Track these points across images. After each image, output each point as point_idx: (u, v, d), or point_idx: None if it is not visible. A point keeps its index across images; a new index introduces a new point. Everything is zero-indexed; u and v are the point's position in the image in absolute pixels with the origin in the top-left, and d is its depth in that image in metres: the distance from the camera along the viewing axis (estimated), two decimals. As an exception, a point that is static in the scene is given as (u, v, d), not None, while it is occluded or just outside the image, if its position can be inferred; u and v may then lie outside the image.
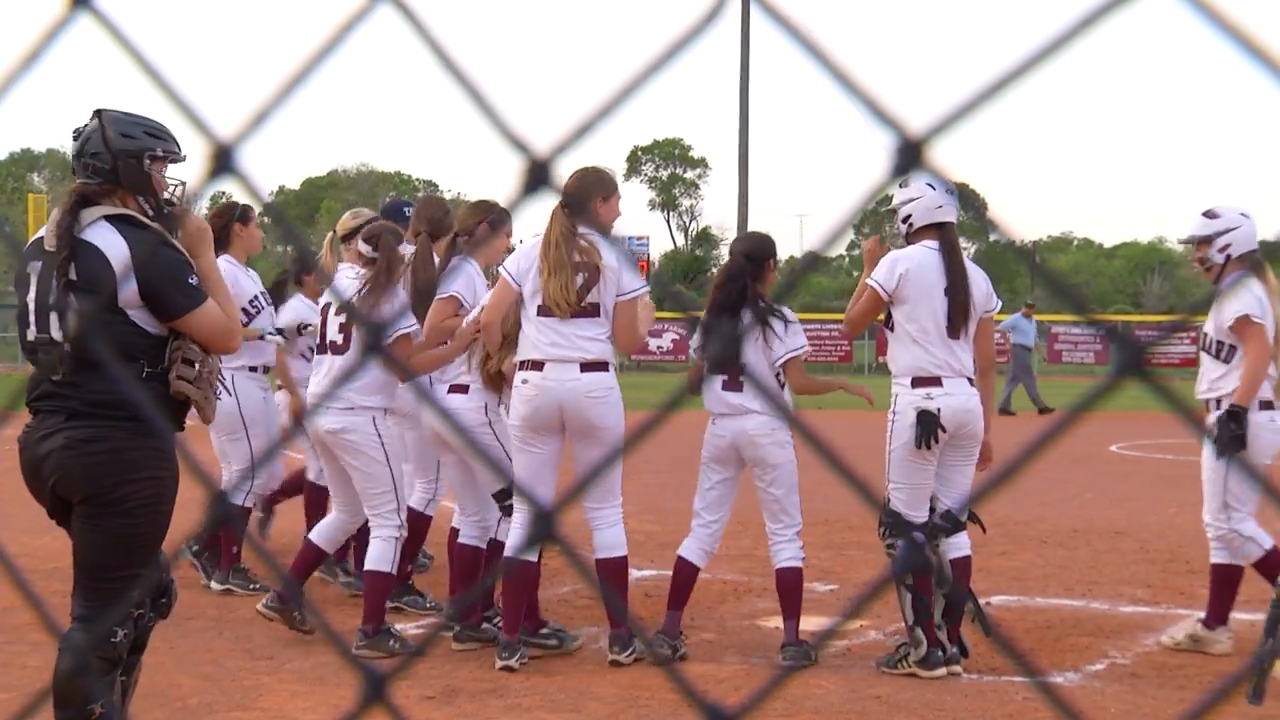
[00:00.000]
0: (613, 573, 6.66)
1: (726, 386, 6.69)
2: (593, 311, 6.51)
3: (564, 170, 0.78)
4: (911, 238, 6.65)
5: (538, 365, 6.47)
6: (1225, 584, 6.84)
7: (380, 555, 6.86)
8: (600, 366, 6.53)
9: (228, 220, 8.15)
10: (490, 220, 7.22)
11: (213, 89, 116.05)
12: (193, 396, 4.50)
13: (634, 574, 8.73)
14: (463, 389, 6.87)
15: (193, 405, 4.56)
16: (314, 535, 7.22)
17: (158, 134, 4.66)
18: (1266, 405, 6.67)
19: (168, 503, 4.51)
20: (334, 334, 6.96)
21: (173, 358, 4.49)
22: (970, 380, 6.54)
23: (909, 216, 6.63)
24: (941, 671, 6.38)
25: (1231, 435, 6.53)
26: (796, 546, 6.77)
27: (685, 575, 6.86)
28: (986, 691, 6.19)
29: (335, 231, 7.81)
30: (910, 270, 6.49)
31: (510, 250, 7.36)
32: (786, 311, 6.90)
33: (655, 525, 10.31)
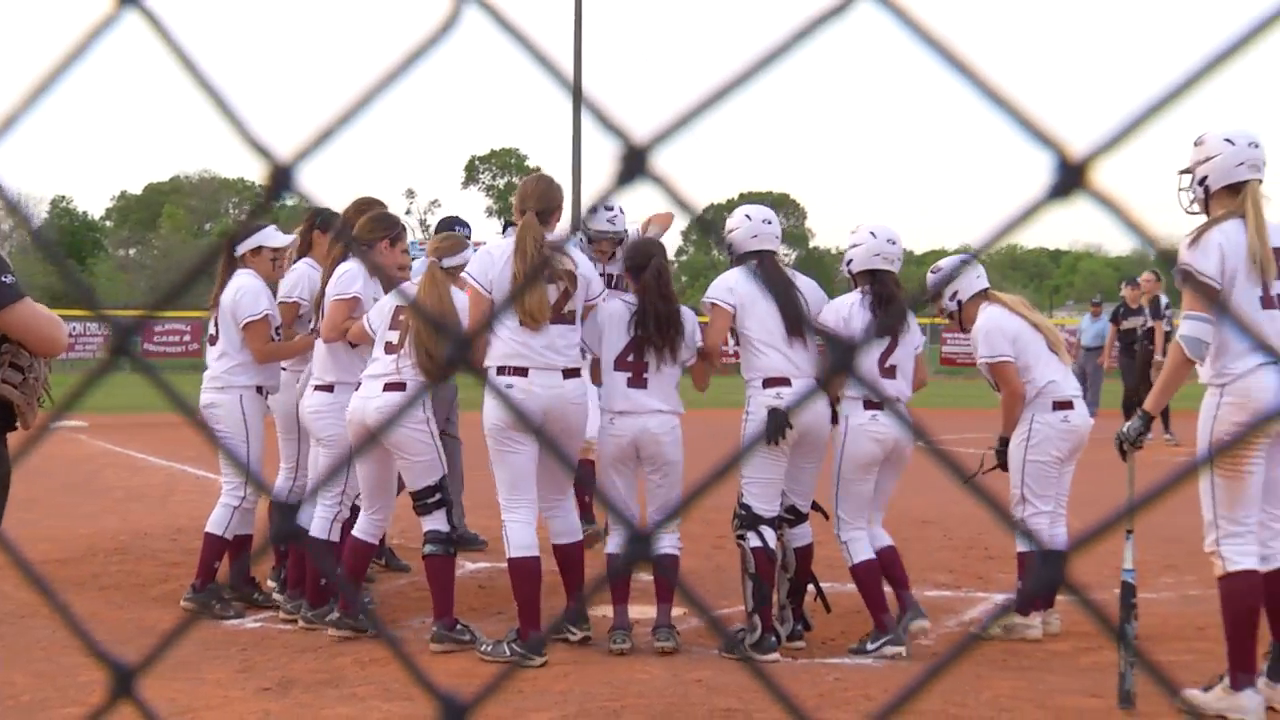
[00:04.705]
0: (573, 557, 6.82)
1: (631, 384, 6.71)
2: (570, 319, 6.62)
3: (306, 174, 0.77)
4: (735, 263, 7.04)
5: (522, 371, 6.51)
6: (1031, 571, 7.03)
7: (217, 519, 7.57)
8: (577, 373, 6.67)
9: (309, 226, 8.00)
10: (392, 237, 7.27)
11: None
12: (15, 401, 4.34)
13: (468, 567, 8.71)
14: (400, 386, 6.72)
15: (15, 411, 4.39)
16: (209, 525, 7.63)
17: None
18: (1061, 405, 6.93)
19: None
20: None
21: (0, 360, 4.32)
22: (818, 381, 6.64)
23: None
24: (774, 656, 6.49)
25: (1002, 457, 7.02)
26: (675, 536, 6.85)
27: (624, 571, 6.83)
28: (800, 673, 6.27)
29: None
30: (738, 284, 6.77)
31: (408, 264, 7.45)
32: (688, 315, 6.88)
33: (491, 520, 10.24)
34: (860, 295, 6.86)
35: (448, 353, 0.76)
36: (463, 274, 6.79)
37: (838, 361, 0.68)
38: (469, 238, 8.90)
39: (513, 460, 6.63)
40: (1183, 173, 5.67)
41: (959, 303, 7.19)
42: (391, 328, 6.81)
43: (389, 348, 6.77)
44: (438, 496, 6.83)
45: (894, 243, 6.90)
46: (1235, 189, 5.44)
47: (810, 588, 7.05)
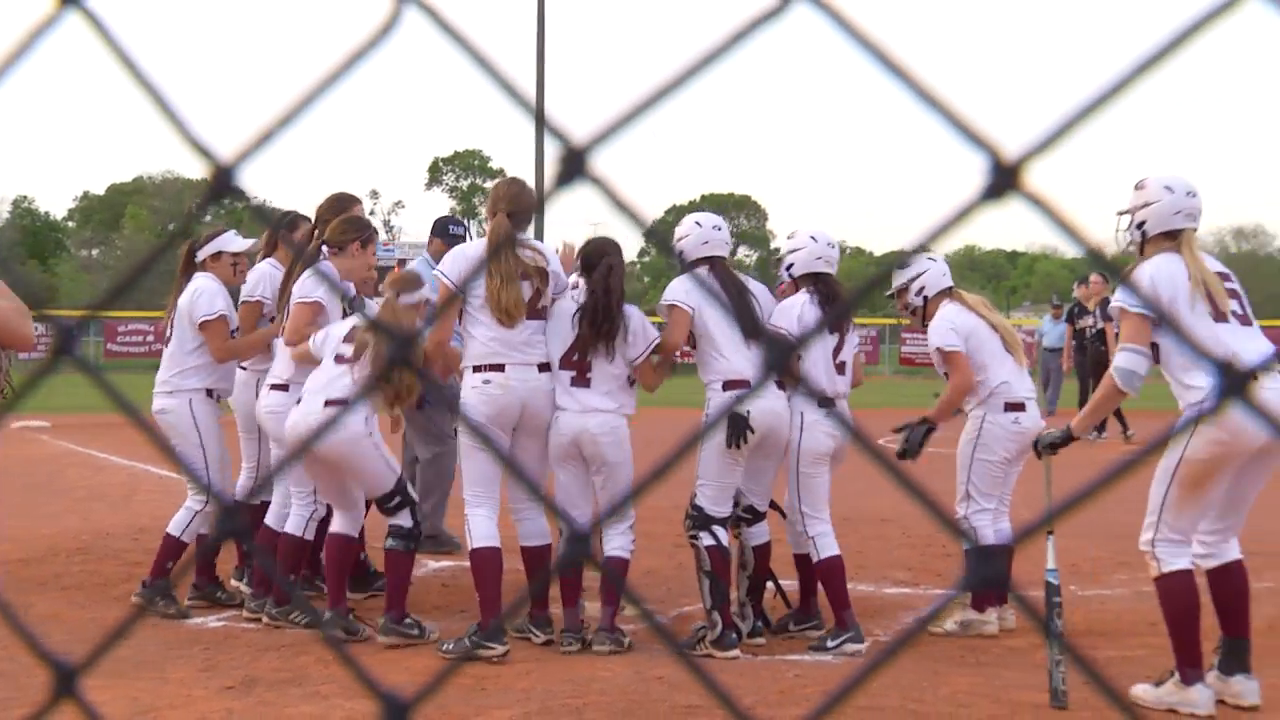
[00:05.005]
0: (540, 559, 6.80)
1: (575, 383, 6.70)
2: (543, 314, 6.70)
3: (247, 176, 0.76)
4: (685, 270, 7.08)
5: (498, 367, 6.58)
6: None
7: (178, 521, 7.45)
8: (549, 367, 6.69)
9: (274, 228, 7.97)
10: (363, 240, 7.24)
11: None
12: None
13: (431, 565, 8.71)
14: (341, 403, 6.59)
15: None
16: (170, 526, 7.50)
17: None
18: (1013, 406, 7.00)
19: None
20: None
21: None
22: (779, 384, 6.69)
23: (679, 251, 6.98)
24: (735, 652, 6.52)
25: (920, 440, 7.03)
26: (628, 539, 6.82)
27: (562, 570, 6.82)
28: (761, 670, 6.29)
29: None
30: (695, 287, 6.77)
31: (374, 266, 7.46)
32: (634, 312, 6.86)
33: (453, 518, 10.22)
34: (808, 296, 6.93)
35: (389, 351, 0.77)
36: (435, 271, 6.83)
37: (773, 360, 0.69)
38: (464, 237, 8.83)
39: (483, 458, 6.65)
40: (1121, 214, 5.76)
41: (925, 298, 7.24)
42: (346, 340, 6.73)
43: (339, 359, 6.69)
44: (398, 499, 6.82)
45: (833, 246, 7.08)
46: (1171, 235, 5.58)
47: (769, 584, 7.10)
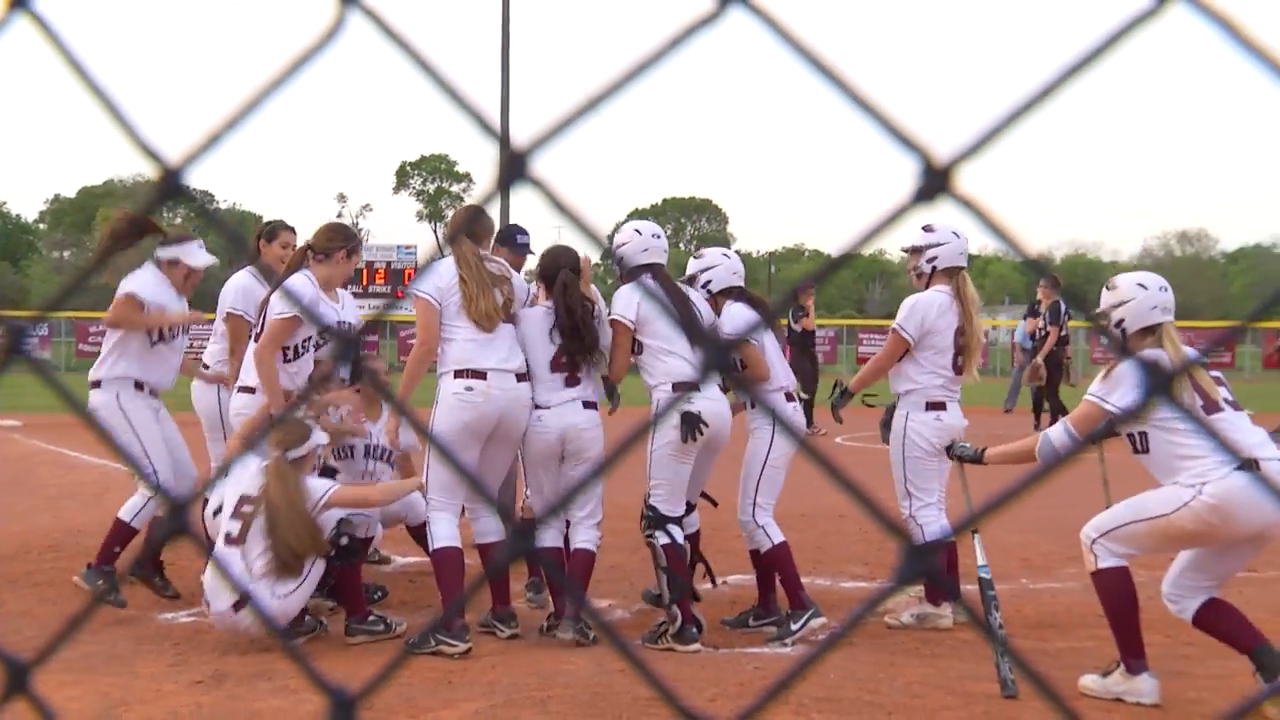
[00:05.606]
0: (496, 555, 6.79)
1: (568, 383, 6.78)
2: (515, 321, 6.78)
3: (193, 178, 0.76)
4: (626, 277, 7.04)
5: (480, 374, 6.58)
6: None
7: (130, 506, 7.47)
8: (526, 377, 6.73)
9: (256, 236, 8.11)
10: (349, 249, 7.23)
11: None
12: None
13: (398, 561, 8.68)
14: (244, 600, 6.35)
15: None
16: (121, 511, 7.48)
17: None
18: (933, 406, 7.06)
19: None
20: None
21: None
22: (722, 387, 6.82)
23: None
24: (696, 646, 6.55)
25: (832, 407, 7.32)
26: (595, 534, 6.86)
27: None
28: (721, 663, 6.30)
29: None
30: (644, 298, 6.83)
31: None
32: (604, 319, 6.94)
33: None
34: (743, 303, 7.14)
35: (335, 351, 0.76)
36: (412, 290, 6.91)
37: (713, 360, 0.69)
38: (529, 247, 8.40)
39: (449, 465, 6.66)
40: (1097, 315, 5.77)
41: (934, 268, 7.22)
42: (234, 516, 6.50)
43: (229, 540, 6.45)
44: (338, 553, 6.63)
45: (741, 263, 7.41)
46: (1150, 329, 5.62)
47: (700, 566, 7.33)
